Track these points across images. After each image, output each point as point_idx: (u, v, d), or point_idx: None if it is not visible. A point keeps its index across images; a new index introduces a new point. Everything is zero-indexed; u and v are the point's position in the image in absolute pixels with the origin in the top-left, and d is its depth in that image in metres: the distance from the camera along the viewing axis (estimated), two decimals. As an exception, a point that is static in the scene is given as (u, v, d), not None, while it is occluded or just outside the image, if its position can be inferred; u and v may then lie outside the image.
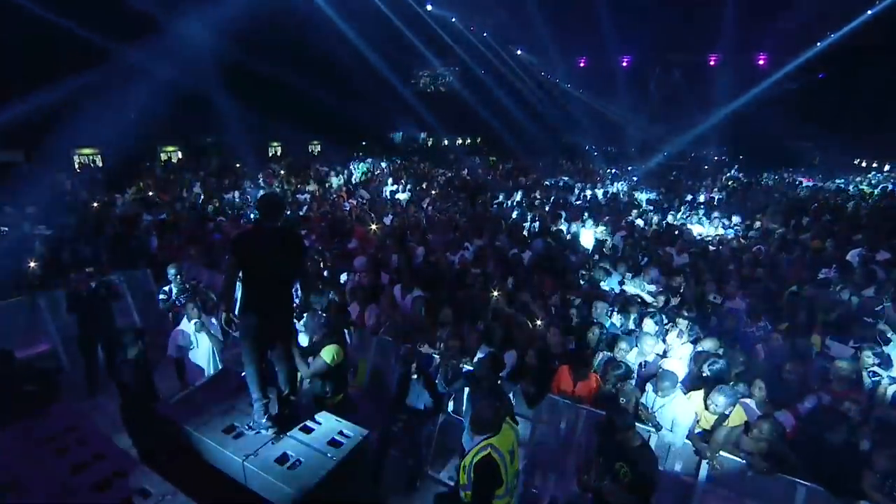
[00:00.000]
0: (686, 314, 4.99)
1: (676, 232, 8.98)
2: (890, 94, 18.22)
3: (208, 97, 16.10)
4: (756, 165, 20.51)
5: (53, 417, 3.10)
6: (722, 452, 3.33)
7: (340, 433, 3.26)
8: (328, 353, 3.78)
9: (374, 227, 8.15)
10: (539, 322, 4.82)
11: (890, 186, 17.08)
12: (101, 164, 17.56)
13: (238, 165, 16.26)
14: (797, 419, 3.47)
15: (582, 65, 28.44)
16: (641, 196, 14.47)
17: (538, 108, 26.31)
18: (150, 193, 10.78)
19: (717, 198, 13.73)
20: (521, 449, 4.05)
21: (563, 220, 9.72)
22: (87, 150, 18.17)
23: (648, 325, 4.95)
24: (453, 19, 21.35)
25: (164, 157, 19.60)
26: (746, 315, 4.99)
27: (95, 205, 9.23)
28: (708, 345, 4.39)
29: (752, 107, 20.23)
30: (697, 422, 3.55)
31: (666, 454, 3.58)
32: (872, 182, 18.28)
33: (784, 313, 5.14)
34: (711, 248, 7.92)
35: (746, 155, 24.11)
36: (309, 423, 3.35)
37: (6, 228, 7.27)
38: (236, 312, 3.05)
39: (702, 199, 13.86)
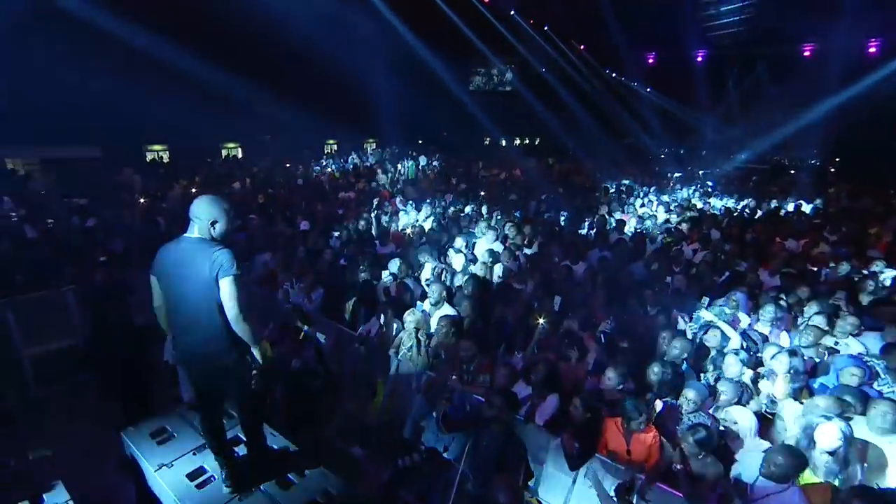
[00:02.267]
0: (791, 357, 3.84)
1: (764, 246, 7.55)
2: None
3: (265, 96, 16.37)
4: (855, 173, 17.60)
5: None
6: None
7: (325, 493, 2.61)
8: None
9: (409, 231, 7.48)
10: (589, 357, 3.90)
11: None
12: (166, 160, 18.44)
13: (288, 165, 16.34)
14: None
15: (651, 61, 26.55)
16: (716, 203, 12.80)
17: (602, 108, 24.70)
18: (193, 190, 10.89)
19: (814, 207, 11.76)
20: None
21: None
22: (157, 147, 19.27)
23: (732, 365, 3.90)
24: (512, 12, 20.40)
25: (224, 153, 20.37)
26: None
27: (142, 200, 9.36)
28: (822, 403, 3.28)
29: (855, 105, 17.41)
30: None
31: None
32: None
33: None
34: (813, 267, 6.46)
35: (843, 161, 20.94)
36: (291, 476, 2.73)
37: (52, 221, 7.42)
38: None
39: (790, 208, 11.97)
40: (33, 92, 11.93)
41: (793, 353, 3.85)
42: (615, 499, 2.97)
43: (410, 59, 19.51)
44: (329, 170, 16.47)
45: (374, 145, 25.31)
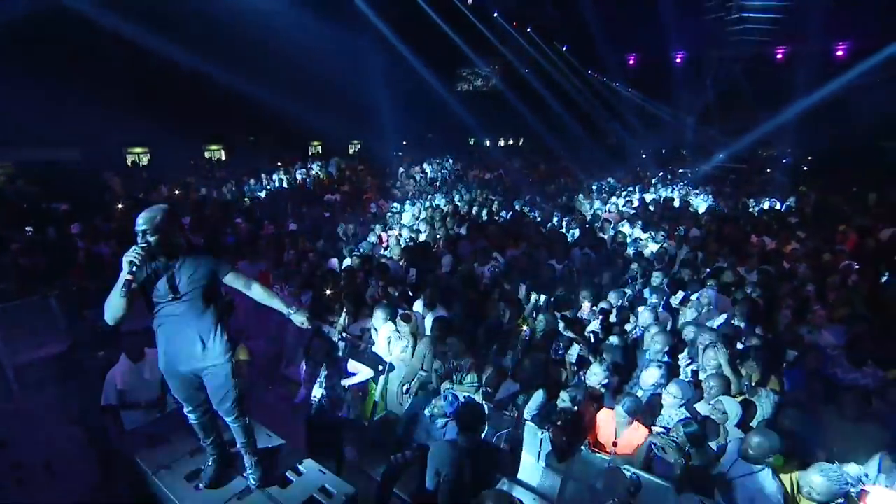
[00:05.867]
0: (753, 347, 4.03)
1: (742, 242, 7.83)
2: None
3: (251, 96, 16.21)
4: (827, 171, 18.25)
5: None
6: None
7: (322, 490, 2.69)
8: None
9: (396, 232, 7.56)
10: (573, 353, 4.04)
11: None
12: (147, 163, 18.12)
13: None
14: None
15: (632, 62, 26.94)
16: (697, 202, 13.15)
17: (584, 108, 25.06)
18: (177, 192, 10.77)
19: (788, 205, 12.18)
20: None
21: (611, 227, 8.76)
22: (137, 149, 18.91)
23: (713, 358, 4.06)
24: (495, 14, 20.58)
25: (207, 155, 20.10)
26: (844, 356, 3.95)
27: (120, 206, 9.23)
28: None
29: (829, 104, 18.03)
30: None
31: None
32: None
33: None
34: (786, 263, 6.74)
35: (815, 159, 21.64)
36: (289, 474, 2.80)
37: (30, 229, 7.27)
38: None
39: (766, 206, 12.38)
40: (8, 91, 11.62)
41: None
42: (605, 491, 3.10)
43: (394, 61, 19.55)
44: (314, 172, 16.40)
45: (358, 146, 25.30)
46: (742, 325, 4.70)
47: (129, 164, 17.92)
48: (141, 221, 2.28)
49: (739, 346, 4.19)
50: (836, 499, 2.48)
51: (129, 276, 2.18)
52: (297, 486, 2.70)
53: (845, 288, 5.54)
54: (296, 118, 17.60)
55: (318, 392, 3.73)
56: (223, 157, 20.28)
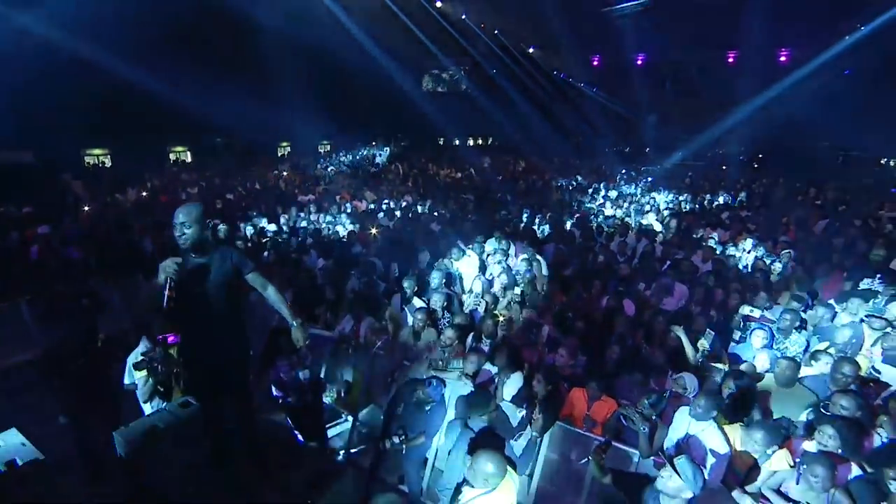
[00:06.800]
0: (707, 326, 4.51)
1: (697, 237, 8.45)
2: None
3: (217, 96, 15.90)
4: (777, 167, 19.60)
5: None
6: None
7: (319, 471, 2.89)
8: None
9: (374, 230, 7.75)
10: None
11: None
12: (109, 165, 17.50)
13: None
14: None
15: (595, 63, 27.79)
16: (659, 198, 13.87)
17: (551, 108, 25.78)
18: (144, 194, 10.55)
19: (739, 200, 13.05)
20: (528, 481, 3.67)
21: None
22: (96, 151, 18.21)
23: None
24: (463, 16, 20.92)
25: (173, 157, 19.56)
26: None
27: (87, 208, 9.00)
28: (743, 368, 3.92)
29: (773, 106, 19.40)
30: (730, 461, 3.09)
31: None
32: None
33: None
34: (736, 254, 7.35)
35: (766, 156, 23.13)
36: (286, 457, 2.99)
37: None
38: None
39: (721, 200, 13.23)
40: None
41: None
42: (581, 461, 3.44)
43: (364, 61, 19.60)
44: (285, 174, 16.28)
45: (328, 147, 25.14)
46: (698, 309, 5.22)
47: (88, 166, 17.24)
48: (180, 216, 2.45)
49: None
50: (773, 446, 2.93)
51: (168, 293, 2.32)
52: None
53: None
54: (264, 119, 17.42)
55: (302, 375, 3.93)
56: (189, 160, 19.76)
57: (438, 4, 19.16)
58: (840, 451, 2.74)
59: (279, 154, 23.08)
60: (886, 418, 3.11)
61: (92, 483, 3.88)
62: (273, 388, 4.13)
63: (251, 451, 2.92)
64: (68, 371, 4.80)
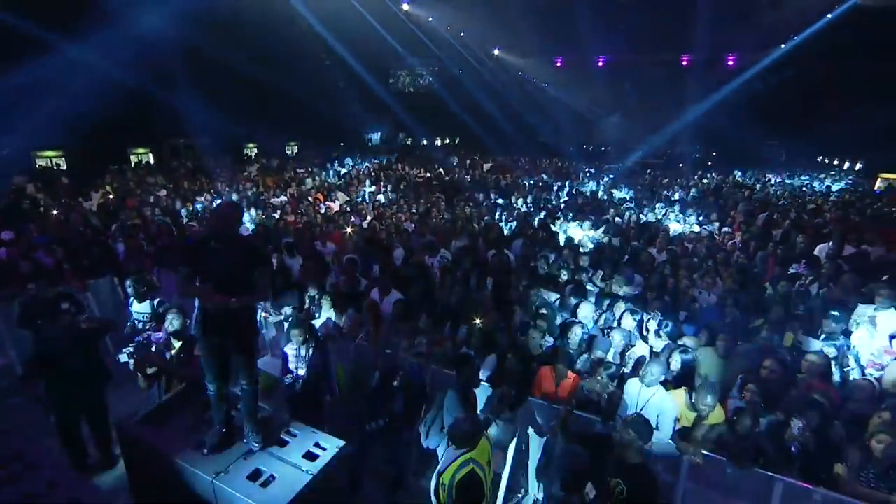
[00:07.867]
0: (660, 309, 5.02)
1: (655, 229, 9.11)
2: (851, 95, 18.87)
3: (181, 97, 15.54)
4: (728, 164, 21.02)
5: None
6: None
7: (317, 445, 3.15)
8: None
9: (349, 229, 7.97)
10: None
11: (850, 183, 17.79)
12: (64, 167, 16.77)
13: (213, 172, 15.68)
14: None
15: (559, 64, 28.64)
16: (619, 194, 14.63)
17: (516, 108, 26.44)
18: (111, 196, 10.31)
19: (692, 195, 13.97)
20: (503, 453, 4.04)
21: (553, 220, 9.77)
22: (49, 153, 17.39)
23: (627, 321, 4.98)
24: (430, 19, 21.25)
25: (134, 159, 18.90)
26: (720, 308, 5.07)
27: (55, 212, 8.78)
28: (689, 342, 4.43)
29: (723, 107, 20.74)
30: (677, 419, 3.56)
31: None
32: (837, 178, 19.01)
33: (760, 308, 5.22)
34: (688, 244, 8.02)
35: (719, 153, 24.68)
36: (283, 436, 3.23)
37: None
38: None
39: (677, 196, 14.11)
40: None
41: None
42: (550, 429, 3.83)
43: (332, 62, 19.60)
44: (254, 175, 16.11)
45: (295, 148, 24.89)
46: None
47: (40, 168, 16.46)
48: (214, 207, 2.76)
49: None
50: (715, 406, 3.42)
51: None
52: (295, 444, 3.15)
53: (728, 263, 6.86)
54: (229, 119, 17.13)
55: (303, 371, 4.16)
56: (151, 161, 19.16)
57: (405, 7, 19.40)
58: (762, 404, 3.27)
59: (244, 155, 22.68)
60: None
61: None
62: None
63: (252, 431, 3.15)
64: (63, 369, 4.85)
